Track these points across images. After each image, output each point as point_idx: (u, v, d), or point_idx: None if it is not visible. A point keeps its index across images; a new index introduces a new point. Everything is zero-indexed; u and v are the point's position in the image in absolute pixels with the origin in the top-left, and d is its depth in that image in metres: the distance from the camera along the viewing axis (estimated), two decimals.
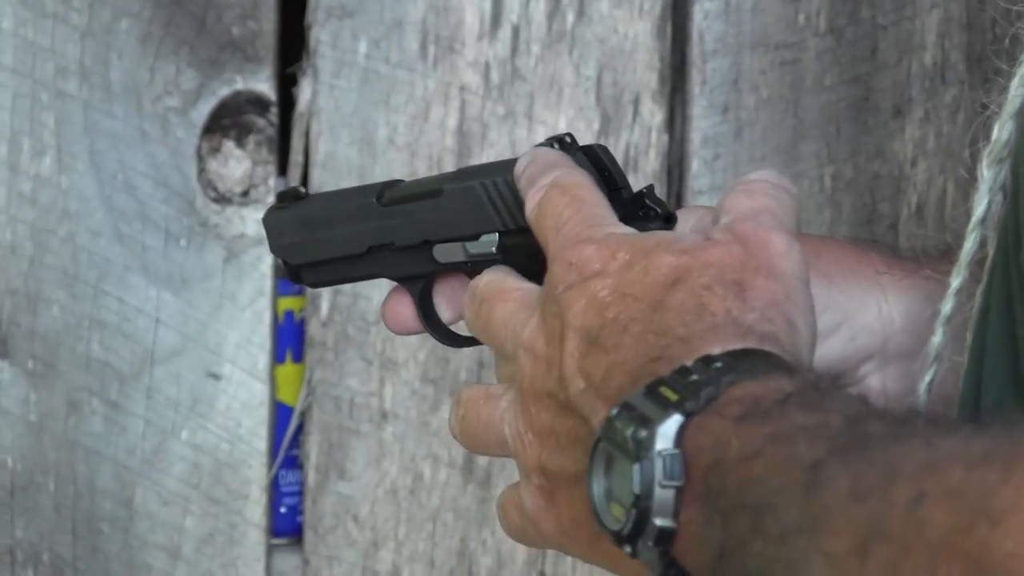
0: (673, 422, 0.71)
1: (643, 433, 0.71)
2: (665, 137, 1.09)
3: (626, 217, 0.83)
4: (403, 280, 0.92)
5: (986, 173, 0.82)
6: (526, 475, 0.81)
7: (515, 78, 1.09)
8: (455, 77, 1.11)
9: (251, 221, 1.23)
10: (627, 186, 0.86)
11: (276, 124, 1.24)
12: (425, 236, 0.89)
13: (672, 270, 0.79)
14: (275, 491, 1.20)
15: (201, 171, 1.26)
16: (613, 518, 0.73)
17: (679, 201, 1.08)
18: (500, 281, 0.87)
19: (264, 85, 1.24)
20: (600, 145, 0.87)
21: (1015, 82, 0.80)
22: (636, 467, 0.70)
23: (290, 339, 1.19)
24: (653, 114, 1.09)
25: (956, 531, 0.59)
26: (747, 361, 0.74)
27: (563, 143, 0.85)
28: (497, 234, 0.87)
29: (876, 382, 0.90)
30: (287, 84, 1.25)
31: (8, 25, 1.18)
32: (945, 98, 1.18)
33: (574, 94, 1.09)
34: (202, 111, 1.26)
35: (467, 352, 1.15)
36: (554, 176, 0.84)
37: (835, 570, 0.65)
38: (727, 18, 1.09)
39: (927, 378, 0.87)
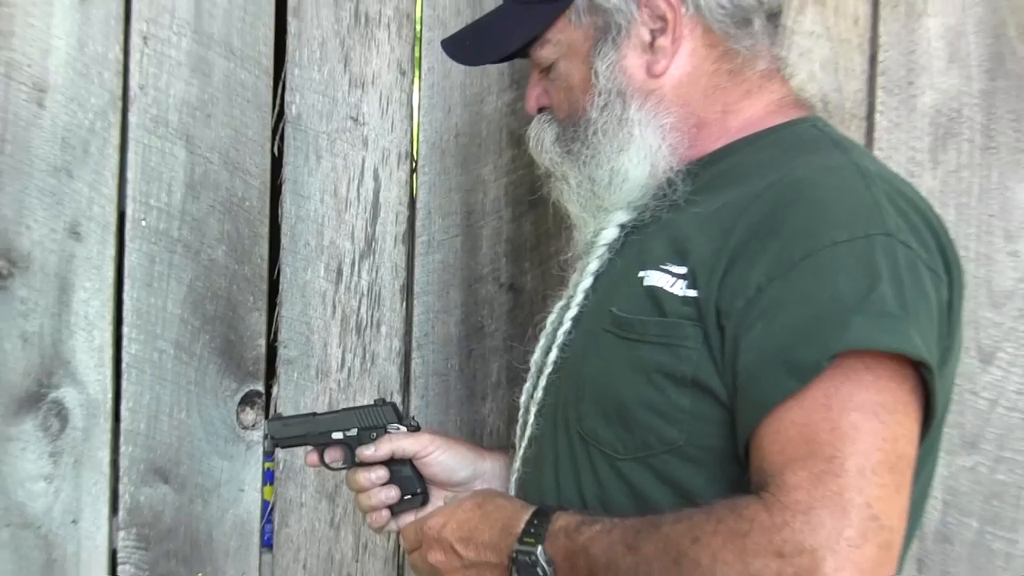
0: (541, 548, 1.47)
1: (533, 556, 1.46)
2: None
3: (399, 423, 1.74)
4: (316, 445, 1.75)
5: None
6: None
7: None
8: None
9: (256, 435, 2.16)
10: (406, 417, 1.77)
11: (264, 401, 2.16)
12: (339, 427, 1.76)
13: (474, 505, 1.58)
14: None
15: (238, 417, 2.18)
16: None
17: None
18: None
19: (260, 385, 2.16)
20: (394, 403, 1.75)
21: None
22: (539, 568, 1.45)
23: None
24: None
25: (698, 544, 1.35)
26: (538, 516, 1.50)
27: (383, 401, 1.73)
28: (356, 429, 1.77)
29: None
30: (270, 382, 2.17)
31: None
32: None
33: None
34: (237, 397, 2.17)
35: None
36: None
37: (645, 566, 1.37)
38: None
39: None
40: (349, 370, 2.18)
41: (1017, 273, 2.23)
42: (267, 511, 2.23)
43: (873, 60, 2.18)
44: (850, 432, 1.34)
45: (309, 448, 1.83)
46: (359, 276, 2.16)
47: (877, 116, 2.18)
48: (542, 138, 1.68)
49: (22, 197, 2.10)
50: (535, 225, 2.19)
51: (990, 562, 2.23)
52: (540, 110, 1.72)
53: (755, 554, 1.31)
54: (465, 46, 1.73)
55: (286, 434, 1.82)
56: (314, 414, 1.82)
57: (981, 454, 2.23)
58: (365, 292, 2.16)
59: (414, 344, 2.18)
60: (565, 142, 1.64)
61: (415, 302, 2.17)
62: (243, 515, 2.23)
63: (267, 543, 2.23)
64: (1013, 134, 2.21)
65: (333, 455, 1.82)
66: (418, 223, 2.18)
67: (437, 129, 2.18)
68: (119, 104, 2.11)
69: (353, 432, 1.79)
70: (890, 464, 1.35)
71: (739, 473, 1.44)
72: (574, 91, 1.64)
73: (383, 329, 2.16)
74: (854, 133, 2.19)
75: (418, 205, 2.17)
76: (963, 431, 2.23)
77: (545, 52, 1.67)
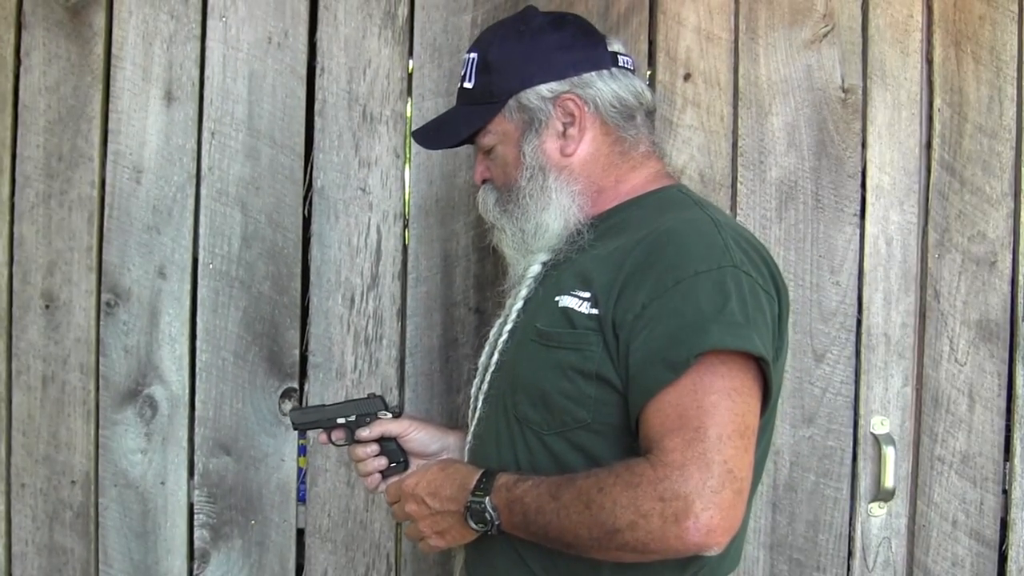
0: (488, 499, 1.41)
1: (482, 504, 1.40)
2: None
3: (387, 410, 1.63)
4: (325, 428, 1.67)
5: None
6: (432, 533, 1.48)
7: None
8: None
9: (287, 421, 2.03)
10: (391, 406, 1.62)
11: (298, 395, 2.06)
12: (341, 414, 1.65)
13: (438, 469, 1.49)
14: None
15: (279, 407, 2.07)
16: (480, 527, 1.41)
17: None
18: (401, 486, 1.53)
19: (295, 383, 2.05)
20: (382, 396, 1.69)
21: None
22: (487, 513, 1.40)
23: None
24: None
25: (603, 493, 1.30)
26: (485, 476, 1.43)
27: (373, 395, 1.64)
28: (355, 415, 1.66)
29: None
30: (302, 381, 2.07)
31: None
32: None
33: None
34: (279, 392, 2.06)
35: None
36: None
37: (566, 509, 1.32)
38: None
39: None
40: (360, 372, 2.08)
41: (839, 297, 2.17)
42: (301, 475, 2.14)
43: (735, 146, 2.12)
44: (711, 409, 1.30)
45: (320, 430, 1.75)
46: (367, 303, 2.08)
47: (739, 186, 2.12)
48: (487, 201, 1.63)
49: (124, 248, 2.06)
50: (494, 265, 2.10)
51: (823, 504, 2.17)
52: (484, 181, 1.66)
53: (643, 499, 1.27)
54: (429, 135, 1.67)
55: (303, 420, 1.74)
56: (323, 405, 1.74)
57: (816, 427, 2.16)
58: (371, 315, 2.07)
59: (407, 353, 2.09)
60: (502, 203, 1.59)
61: (407, 322, 2.09)
62: (284, 478, 2.13)
63: (301, 498, 2.14)
64: (834, 198, 2.16)
65: (338, 435, 1.74)
66: (409, 264, 2.09)
67: (423, 196, 2.10)
68: (194, 181, 2.06)
69: (352, 418, 1.70)
70: (740, 432, 1.31)
71: (632, 442, 1.40)
72: (508, 167, 1.59)
73: (384, 342, 2.08)
74: (722, 198, 2.11)
75: (409, 251, 2.09)
76: (803, 410, 2.16)
77: (487, 139, 1.61)
